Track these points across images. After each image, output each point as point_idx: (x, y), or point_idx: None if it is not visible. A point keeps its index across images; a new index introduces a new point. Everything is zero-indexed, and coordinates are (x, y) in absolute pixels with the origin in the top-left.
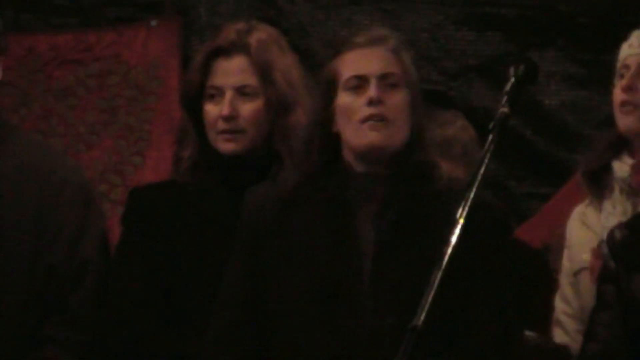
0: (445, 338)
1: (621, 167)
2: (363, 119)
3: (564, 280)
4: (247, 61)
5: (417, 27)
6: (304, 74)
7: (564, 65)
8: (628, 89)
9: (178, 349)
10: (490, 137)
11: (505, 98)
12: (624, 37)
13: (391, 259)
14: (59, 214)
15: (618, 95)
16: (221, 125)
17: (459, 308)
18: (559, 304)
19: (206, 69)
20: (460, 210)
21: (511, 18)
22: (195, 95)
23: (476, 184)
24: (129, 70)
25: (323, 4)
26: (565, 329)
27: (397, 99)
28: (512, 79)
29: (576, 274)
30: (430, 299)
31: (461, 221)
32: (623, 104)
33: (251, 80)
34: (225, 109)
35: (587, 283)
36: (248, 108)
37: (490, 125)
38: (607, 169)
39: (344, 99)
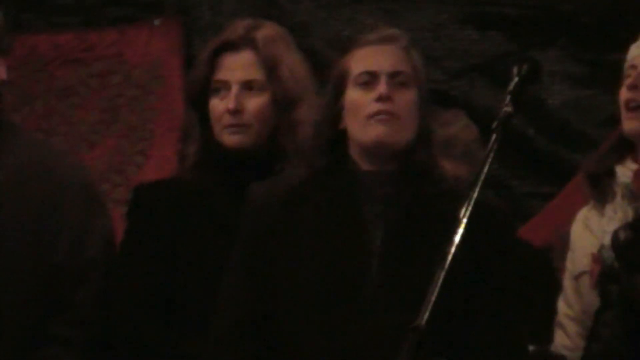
0: (448, 338)
1: (624, 172)
2: (371, 114)
3: (567, 283)
4: (254, 56)
5: (419, 27)
6: (310, 72)
7: (566, 65)
8: (633, 87)
9: (180, 347)
10: (493, 136)
11: (508, 97)
12: (625, 36)
13: (398, 258)
14: (63, 213)
15: (624, 94)
16: (227, 119)
17: (462, 308)
18: (561, 307)
19: (212, 63)
20: (463, 210)
21: (513, 17)
22: (201, 90)
23: (479, 183)
24: (131, 69)
25: (325, 3)
26: (567, 332)
27: (406, 98)
28: (516, 79)
29: (577, 277)
30: (433, 298)
31: (464, 221)
32: (628, 102)
33: (257, 75)
34: (231, 103)
35: (587, 287)
36: (254, 103)
37: (493, 125)
38: (610, 173)
39: (353, 94)
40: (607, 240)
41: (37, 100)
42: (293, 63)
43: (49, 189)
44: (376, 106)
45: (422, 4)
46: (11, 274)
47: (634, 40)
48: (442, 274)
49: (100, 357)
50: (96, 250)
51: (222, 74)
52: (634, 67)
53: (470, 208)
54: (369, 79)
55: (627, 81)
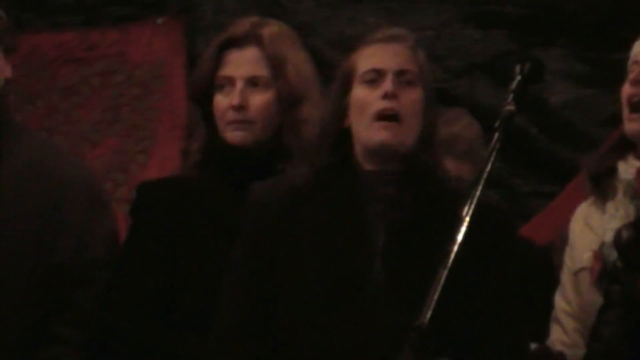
0: (449, 337)
1: (626, 168)
2: (376, 112)
3: (565, 278)
4: (259, 52)
5: (421, 26)
6: (314, 71)
7: (568, 64)
8: (636, 82)
9: (182, 347)
10: (496, 135)
11: (510, 96)
12: (627, 35)
13: (400, 258)
14: (66, 213)
15: (626, 89)
16: (231, 115)
17: (464, 307)
18: (559, 302)
19: (217, 59)
20: (466, 209)
21: (516, 16)
22: (205, 87)
23: (482, 182)
24: (133, 68)
25: (327, 2)
26: (564, 327)
27: (412, 97)
28: (518, 78)
29: (576, 273)
30: (435, 297)
31: (467, 219)
32: (631, 97)
33: (263, 71)
34: (235, 99)
35: (587, 283)
36: (258, 99)
37: (496, 124)
38: (612, 170)
39: (359, 91)
40: (608, 237)
41: (39, 99)
42: (299, 61)
43: (53, 189)
44: (381, 104)
45: (424, 3)
46: (14, 273)
47: (636, 39)
48: (445, 273)
49: (102, 357)
50: (100, 250)
51: (226, 70)
52: (637, 62)
53: (472, 207)
54: (376, 77)
55: (630, 76)
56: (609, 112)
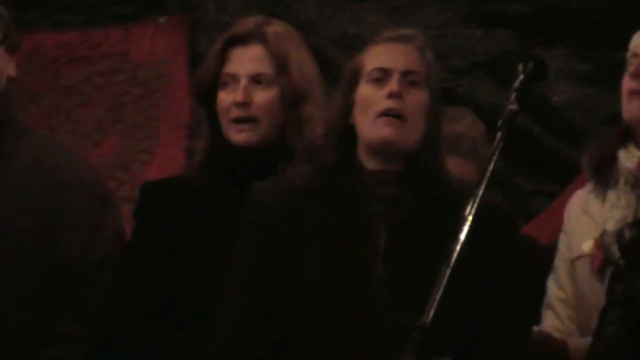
0: (452, 336)
1: (628, 157)
2: (380, 111)
3: (560, 265)
4: (264, 50)
5: (424, 25)
6: (318, 71)
7: (572, 63)
8: (635, 75)
9: (185, 346)
10: (499, 134)
11: (513, 95)
12: (630, 35)
13: (401, 258)
14: (71, 212)
15: (626, 82)
16: (234, 112)
17: (466, 307)
18: (552, 289)
19: (221, 57)
20: (468, 208)
21: (519, 15)
22: (209, 85)
23: (485, 181)
24: (136, 67)
25: (330, 2)
26: (557, 314)
27: (417, 97)
28: (521, 76)
29: (573, 261)
30: (437, 297)
31: (470, 218)
32: (631, 90)
33: (266, 69)
34: (239, 95)
35: (584, 271)
36: (262, 96)
37: (498, 123)
38: (613, 158)
39: (364, 89)
40: (610, 226)
41: (43, 98)
42: (302, 60)
43: (58, 188)
44: (386, 103)
45: (427, 2)
46: (19, 272)
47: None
48: (447, 273)
49: (108, 356)
50: (105, 249)
51: (230, 68)
52: (636, 55)
53: (475, 206)
54: (382, 76)
55: (630, 69)
56: (611, 111)
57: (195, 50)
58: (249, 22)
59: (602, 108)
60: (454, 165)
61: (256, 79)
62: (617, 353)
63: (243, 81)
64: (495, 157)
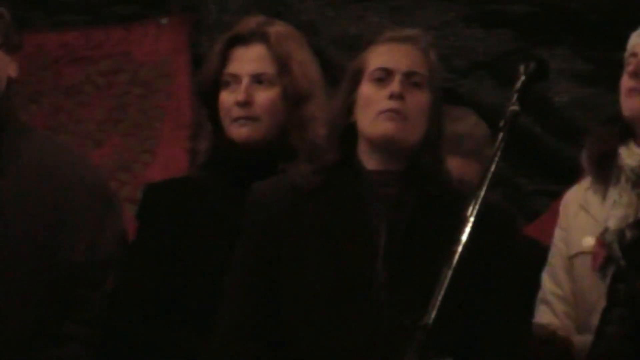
0: (454, 336)
1: (629, 155)
2: (381, 110)
3: (557, 261)
4: (265, 50)
5: (426, 25)
6: (320, 71)
7: (573, 63)
8: (634, 74)
9: (190, 347)
10: (501, 135)
11: (515, 96)
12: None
13: (402, 258)
14: (79, 213)
15: (625, 81)
16: (236, 111)
17: (468, 307)
18: (548, 284)
19: (223, 57)
20: (470, 209)
21: (520, 15)
22: (212, 85)
23: (486, 182)
24: (138, 67)
25: (331, 2)
26: (553, 310)
27: (418, 98)
28: (522, 77)
29: (572, 258)
30: (440, 297)
31: (471, 219)
32: (630, 89)
33: (268, 68)
34: (240, 95)
35: (584, 268)
36: (263, 96)
37: (500, 123)
38: (613, 154)
39: (366, 88)
40: (612, 224)
41: (44, 98)
42: (304, 60)
43: (61, 189)
44: (387, 103)
45: (428, 2)
46: (23, 273)
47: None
48: (449, 273)
49: (111, 357)
50: (110, 250)
51: (232, 67)
52: (634, 54)
53: (477, 207)
54: (384, 76)
55: (629, 69)
56: (612, 111)
57: (197, 51)
58: (251, 22)
59: (603, 108)
60: (457, 165)
61: (258, 79)
62: (618, 353)
63: (245, 81)
64: (497, 158)
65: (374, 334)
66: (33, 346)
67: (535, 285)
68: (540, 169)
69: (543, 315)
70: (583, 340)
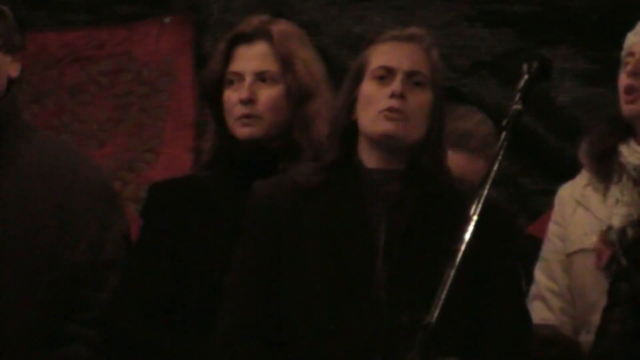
0: (456, 336)
1: (631, 153)
2: (382, 109)
3: (553, 257)
4: (269, 48)
5: (429, 24)
6: (324, 69)
7: (576, 62)
8: (633, 74)
9: (194, 347)
10: (503, 134)
11: (518, 95)
12: None
13: (401, 257)
14: (83, 213)
15: (623, 80)
16: (239, 109)
17: (470, 305)
18: (543, 280)
19: (227, 56)
20: (473, 208)
21: (523, 15)
22: (216, 84)
23: (489, 181)
24: (140, 67)
25: (335, 1)
26: (549, 306)
27: (420, 98)
28: (525, 76)
29: (571, 254)
30: (443, 296)
31: (474, 218)
32: (628, 88)
33: (272, 66)
34: (243, 93)
35: (584, 265)
36: (267, 94)
37: (503, 123)
38: (613, 152)
39: (368, 86)
40: (615, 222)
41: (47, 98)
42: (308, 58)
43: (65, 190)
44: (388, 102)
45: (431, 1)
46: (27, 274)
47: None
48: (452, 272)
49: (115, 357)
50: (114, 250)
51: (236, 66)
52: (632, 54)
53: (480, 206)
54: (386, 74)
55: (627, 68)
56: (616, 111)
57: (200, 50)
58: (254, 21)
59: (605, 107)
60: (463, 162)
61: (261, 77)
62: (620, 352)
63: (248, 79)
64: (499, 157)
65: (374, 333)
66: (35, 346)
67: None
68: (542, 169)
69: (538, 312)
70: (588, 340)
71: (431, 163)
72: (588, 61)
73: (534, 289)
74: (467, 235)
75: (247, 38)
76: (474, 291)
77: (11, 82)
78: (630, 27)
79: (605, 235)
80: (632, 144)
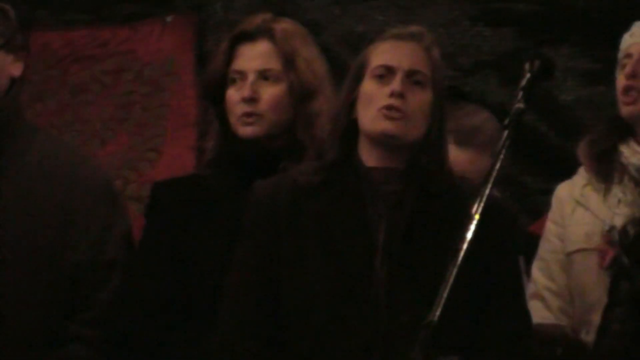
0: (458, 334)
1: (632, 153)
2: (381, 108)
3: (551, 256)
4: (271, 46)
5: (432, 23)
6: (327, 67)
7: (578, 61)
8: (632, 75)
9: (197, 347)
10: (505, 133)
11: (520, 94)
12: None
13: (401, 256)
14: (85, 212)
15: (621, 82)
16: (241, 108)
17: (472, 305)
18: (541, 279)
19: (229, 55)
20: (475, 206)
21: (526, 14)
22: (218, 82)
23: (491, 179)
24: (143, 66)
25: (338, 0)
26: (548, 305)
27: (419, 97)
28: (528, 75)
29: (571, 254)
30: (445, 295)
31: (476, 217)
32: (626, 89)
33: (274, 64)
34: (246, 91)
35: (584, 265)
36: (269, 92)
37: (505, 122)
38: (614, 151)
39: (368, 85)
40: (618, 222)
41: (50, 96)
42: (310, 56)
43: (67, 189)
44: (388, 101)
45: (435, 0)
46: (32, 274)
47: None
48: (455, 271)
49: (119, 357)
50: (116, 250)
51: (238, 64)
52: (629, 55)
53: (482, 204)
54: (386, 73)
55: (625, 70)
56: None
57: (202, 49)
58: (256, 19)
59: (608, 106)
60: (470, 157)
61: (263, 75)
62: (622, 351)
63: (250, 77)
64: (502, 156)
65: (373, 332)
66: (35, 346)
67: None
68: (545, 167)
69: (536, 311)
70: (587, 340)
71: (431, 162)
72: (590, 60)
73: (531, 288)
74: (469, 234)
75: (249, 36)
76: (474, 290)
77: (14, 81)
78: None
79: (608, 236)
80: (632, 144)
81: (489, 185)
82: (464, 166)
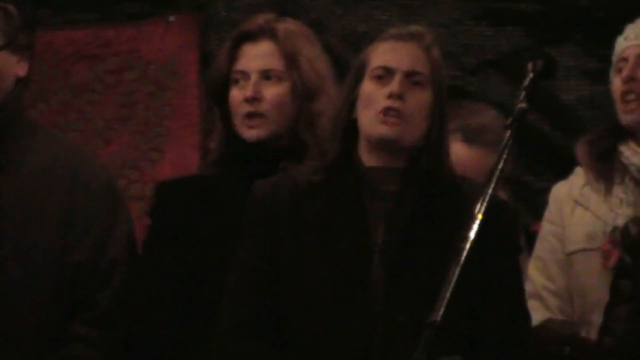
0: (461, 334)
1: (633, 154)
2: (380, 109)
3: (549, 257)
4: (274, 46)
5: (435, 23)
6: (330, 67)
7: (581, 61)
8: (629, 79)
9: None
10: (508, 132)
11: (523, 93)
12: None
13: (400, 256)
14: (87, 212)
15: (619, 86)
16: (244, 108)
17: (474, 304)
18: (539, 279)
19: (232, 55)
20: (478, 206)
21: (529, 13)
22: (221, 82)
23: (494, 179)
24: (146, 65)
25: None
26: (547, 305)
27: (419, 98)
28: (531, 74)
29: (571, 254)
30: (447, 294)
31: (479, 217)
32: (625, 93)
33: (277, 64)
34: (248, 91)
35: (585, 265)
36: (272, 92)
37: (508, 121)
38: (614, 151)
39: (367, 86)
40: (620, 222)
41: (53, 95)
42: (313, 56)
43: (70, 188)
44: (387, 102)
45: (437, 0)
46: (33, 274)
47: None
48: (457, 271)
49: (122, 357)
50: (118, 250)
51: (241, 64)
52: (625, 59)
53: (485, 204)
54: (385, 74)
55: (623, 73)
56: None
57: (206, 49)
58: (259, 19)
59: (611, 106)
60: (478, 155)
61: (266, 75)
62: (626, 350)
63: (253, 77)
64: (504, 156)
65: (371, 332)
66: (37, 346)
67: None
68: (548, 167)
69: (535, 311)
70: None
71: (431, 162)
72: (593, 59)
73: (529, 288)
74: (472, 234)
75: (252, 36)
76: (475, 289)
77: (18, 81)
78: None
79: (612, 236)
80: (632, 145)
81: (492, 185)
82: (471, 164)
